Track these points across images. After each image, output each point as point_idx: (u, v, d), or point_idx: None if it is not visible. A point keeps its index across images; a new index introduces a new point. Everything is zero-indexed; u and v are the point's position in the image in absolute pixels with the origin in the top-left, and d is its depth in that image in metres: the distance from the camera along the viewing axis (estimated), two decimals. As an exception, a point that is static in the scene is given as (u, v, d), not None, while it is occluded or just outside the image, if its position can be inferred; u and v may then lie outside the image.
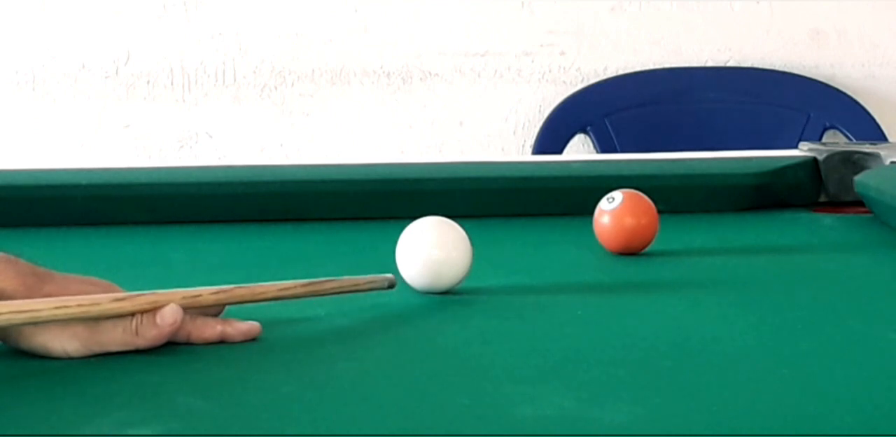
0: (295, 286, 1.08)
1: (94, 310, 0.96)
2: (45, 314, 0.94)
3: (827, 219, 1.59)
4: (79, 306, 0.95)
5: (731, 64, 2.85)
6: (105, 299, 0.97)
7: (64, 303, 0.95)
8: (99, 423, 0.83)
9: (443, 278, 1.17)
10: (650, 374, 0.95)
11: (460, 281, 1.17)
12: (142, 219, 1.55)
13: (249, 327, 1.02)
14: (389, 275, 1.16)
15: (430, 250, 1.16)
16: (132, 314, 0.97)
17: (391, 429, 0.83)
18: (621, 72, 2.82)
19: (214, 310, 1.05)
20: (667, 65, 2.82)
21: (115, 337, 0.97)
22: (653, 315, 1.13)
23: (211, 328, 1.01)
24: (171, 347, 0.99)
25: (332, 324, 1.09)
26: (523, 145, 2.82)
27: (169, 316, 0.98)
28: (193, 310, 1.02)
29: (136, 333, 0.97)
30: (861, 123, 2.77)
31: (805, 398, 0.89)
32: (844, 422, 0.84)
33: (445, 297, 1.17)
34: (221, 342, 1.01)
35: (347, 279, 1.13)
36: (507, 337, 1.06)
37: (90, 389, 0.91)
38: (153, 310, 0.97)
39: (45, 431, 0.83)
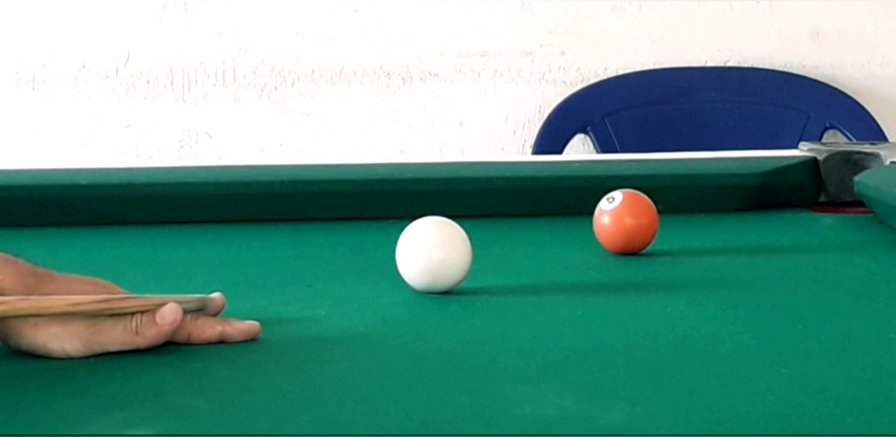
0: (89, 302, 0.98)
1: (93, 308, 0.96)
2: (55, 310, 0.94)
3: (827, 219, 1.59)
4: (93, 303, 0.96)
5: (731, 64, 2.85)
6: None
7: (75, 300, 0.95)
8: (99, 423, 0.83)
9: (443, 278, 1.17)
10: (650, 374, 0.95)
11: (460, 281, 1.17)
12: (142, 219, 1.54)
13: (249, 326, 1.02)
14: (205, 296, 1.05)
15: (430, 250, 1.16)
16: (132, 314, 0.97)
17: (391, 429, 0.83)
18: (621, 72, 2.82)
19: (213, 310, 1.05)
20: (667, 65, 2.82)
21: (116, 337, 0.97)
22: (653, 315, 1.13)
23: (211, 328, 1.01)
24: (171, 347, 0.99)
25: (332, 324, 1.09)
26: (523, 145, 2.82)
27: (168, 315, 0.98)
28: (193, 310, 1.02)
29: (136, 332, 0.97)
30: (861, 123, 2.77)
31: (805, 398, 0.89)
32: (844, 422, 0.84)
33: (445, 297, 1.17)
34: (221, 342, 1.01)
35: (152, 298, 1.00)
36: (507, 337, 1.06)
37: (90, 389, 0.91)
38: (153, 310, 0.98)
39: (45, 431, 0.83)
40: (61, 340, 0.96)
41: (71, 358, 0.96)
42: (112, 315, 0.97)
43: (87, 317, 0.96)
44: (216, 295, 1.06)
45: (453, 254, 1.17)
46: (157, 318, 0.97)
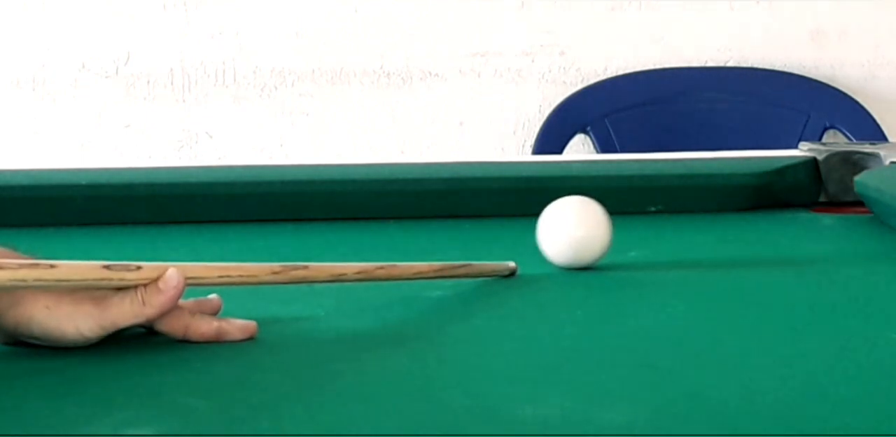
0: (429, 270, 1.17)
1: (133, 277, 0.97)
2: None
3: (827, 219, 1.59)
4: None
5: (731, 64, 2.85)
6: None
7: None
8: (99, 423, 0.83)
9: (584, 255, 1.26)
10: (650, 374, 0.95)
11: (600, 258, 1.26)
12: (142, 219, 1.55)
13: (245, 324, 1.02)
14: (511, 263, 1.25)
15: (571, 228, 1.25)
16: (135, 287, 0.97)
17: (391, 429, 0.83)
18: (621, 72, 2.82)
19: (211, 311, 1.05)
20: (667, 65, 2.83)
21: (125, 311, 0.96)
22: (652, 315, 1.13)
23: (207, 324, 1.01)
24: (171, 347, 0.99)
25: (332, 324, 1.09)
26: (523, 145, 2.82)
27: (171, 279, 0.98)
28: (193, 308, 1.02)
29: (143, 302, 0.97)
30: (861, 123, 2.77)
31: (805, 398, 0.89)
32: (844, 422, 0.84)
33: (444, 297, 1.17)
34: (217, 340, 1.00)
35: (475, 265, 1.21)
36: (507, 337, 1.06)
37: (90, 389, 0.91)
38: (154, 280, 0.98)
39: (45, 431, 0.83)
40: (74, 320, 0.95)
41: (86, 339, 0.96)
42: (117, 290, 0.97)
43: (93, 297, 0.96)
44: (213, 296, 1.07)
45: (593, 232, 1.25)
46: (161, 285, 0.98)
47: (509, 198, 1.60)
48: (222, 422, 0.84)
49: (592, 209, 1.27)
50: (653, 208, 1.59)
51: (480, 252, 1.19)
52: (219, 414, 0.86)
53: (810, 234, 1.53)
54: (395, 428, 0.83)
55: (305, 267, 1.08)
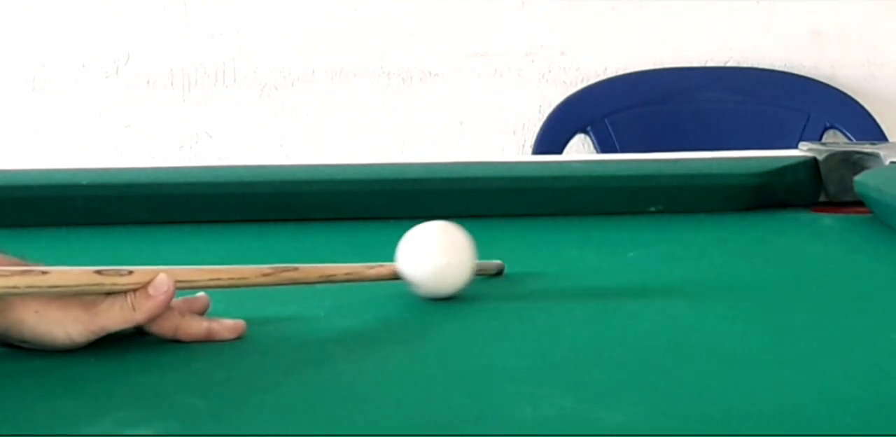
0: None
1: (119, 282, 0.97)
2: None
3: (827, 219, 1.59)
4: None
5: (731, 64, 2.85)
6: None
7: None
8: (99, 423, 0.83)
9: (445, 285, 1.15)
10: (650, 374, 0.95)
11: (463, 287, 1.17)
12: (142, 219, 1.54)
13: (235, 324, 1.02)
14: (498, 261, 1.22)
15: (433, 256, 1.15)
16: (125, 292, 0.98)
17: (391, 429, 0.83)
18: (621, 72, 2.82)
19: (200, 309, 1.05)
20: (667, 65, 2.83)
21: (114, 316, 0.97)
22: (653, 315, 1.13)
23: (198, 324, 1.01)
24: (171, 347, 0.99)
25: (332, 324, 1.09)
26: (523, 145, 2.82)
27: (161, 285, 0.98)
28: (182, 307, 1.02)
29: (133, 308, 0.97)
30: (861, 123, 2.77)
31: (805, 398, 0.89)
32: (844, 422, 0.84)
33: (444, 297, 1.17)
34: (206, 341, 1.00)
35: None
36: (507, 337, 1.06)
37: (90, 389, 0.91)
38: (145, 285, 0.98)
39: (45, 431, 0.83)
40: (64, 324, 0.96)
41: (76, 343, 0.96)
42: (107, 294, 0.97)
43: (83, 302, 0.96)
44: (200, 295, 1.07)
45: (455, 260, 1.15)
46: (151, 290, 0.98)
47: (509, 198, 1.60)
48: (222, 422, 0.84)
49: (453, 236, 1.17)
50: (653, 208, 1.59)
51: (481, 252, 1.19)
52: (219, 414, 0.86)
53: (810, 234, 1.53)
54: (395, 428, 0.83)
55: (295, 269, 1.08)
